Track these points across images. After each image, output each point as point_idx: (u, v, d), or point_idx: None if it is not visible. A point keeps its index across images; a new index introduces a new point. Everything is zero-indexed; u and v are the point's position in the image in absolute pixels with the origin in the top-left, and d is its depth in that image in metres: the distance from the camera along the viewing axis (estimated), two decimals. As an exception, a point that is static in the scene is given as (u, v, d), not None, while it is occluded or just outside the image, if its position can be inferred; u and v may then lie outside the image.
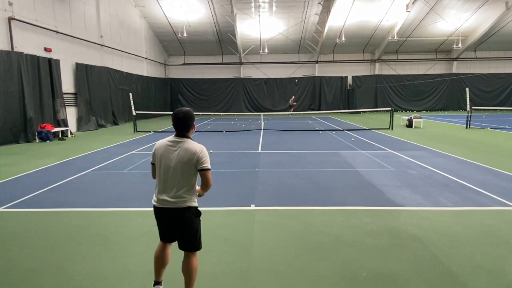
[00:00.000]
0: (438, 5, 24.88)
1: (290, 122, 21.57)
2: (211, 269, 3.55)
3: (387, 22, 26.97)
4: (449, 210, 5.26)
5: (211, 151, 10.81)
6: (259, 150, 11.01)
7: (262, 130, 16.95)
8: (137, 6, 24.74)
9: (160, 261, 3.01)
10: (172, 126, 2.84)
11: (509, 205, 5.43)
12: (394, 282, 3.28)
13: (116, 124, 21.00)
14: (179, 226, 2.85)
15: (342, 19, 25.92)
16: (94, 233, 4.51)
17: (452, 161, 8.88)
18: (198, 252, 2.97)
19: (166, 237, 2.97)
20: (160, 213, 2.87)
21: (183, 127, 2.82)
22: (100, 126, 18.91)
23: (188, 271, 2.90)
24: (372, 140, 12.96)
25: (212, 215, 5.19)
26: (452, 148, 10.78)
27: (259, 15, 25.69)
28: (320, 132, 16.02)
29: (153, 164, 2.93)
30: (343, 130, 16.68)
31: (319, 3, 24.41)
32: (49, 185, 6.90)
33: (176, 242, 2.94)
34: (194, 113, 2.93)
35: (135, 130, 16.48)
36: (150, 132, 16.41)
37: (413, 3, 23.48)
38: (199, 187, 2.94)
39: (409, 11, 23.99)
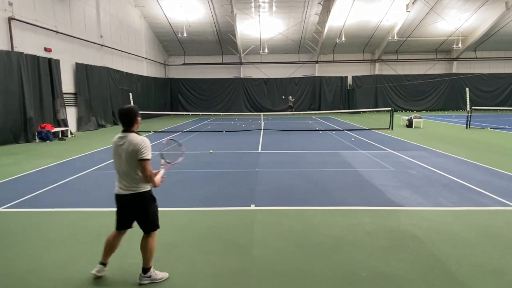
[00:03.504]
0: (438, 5, 24.88)
1: (290, 122, 21.57)
2: (211, 269, 3.55)
3: (387, 22, 26.97)
4: (449, 210, 5.26)
5: (211, 151, 10.81)
6: (259, 150, 11.00)
7: (262, 130, 16.94)
8: (137, 6, 24.75)
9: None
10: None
11: (509, 205, 5.42)
12: (394, 282, 3.28)
13: (116, 124, 20.97)
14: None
15: (342, 19, 25.92)
16: (94, 233, 4.51)
17: (452, 161, 8.87)
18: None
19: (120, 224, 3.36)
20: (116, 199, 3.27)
21: (126, 123, 3.19)
22: (100, 126, 18.91)
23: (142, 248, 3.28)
24: (372, 140, 12.96)
25: (212, 215, 5.19)
26: (452, 148, 10.78)
27: (259, 15, 25.69)
28: (320, 132, 16.01)
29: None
30: (343, 130, 16.68)
31: (319, 3, 24.41)
32: (49, 185, 6.90)
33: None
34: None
35: (135, 130, 16.44)
36: (150, 132, 16.41)
37: (413, 3, 23.48)
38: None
39: (409, 11, 23.99)
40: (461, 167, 8.21)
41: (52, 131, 14.04)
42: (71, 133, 15.71)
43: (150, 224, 3.27)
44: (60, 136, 14.61)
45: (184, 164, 9.01)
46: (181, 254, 3.90)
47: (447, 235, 4.30)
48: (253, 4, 24.40)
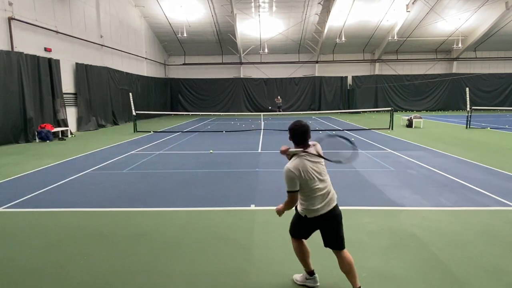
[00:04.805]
0: (438, 5, 24.89)
1: (290, 122, 21.52)
2: (211, 269, 3.55)
3: (387, 22, 26.97)
4: (449, 210, 5.26)
5: (211, 151, 10.81)
6: (259, 150, 11.00)
7: (262, 130, 16.95)
8: (137, 6, 24.75)
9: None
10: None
11: (509, 205, 5.42)
12: (394, 282, 3.27)
13: (116, 124, 21.00)
14: None
15: (342, 19, 25.92)
16: (94, 233, 4.51)
17: (452, 161, 8.87)
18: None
19: None
20: None
21: (306, 138, 3.16)
22: (100, 126, 18.91)
23: None
24: (372, 140, 12.96)
25: (212, 215, 5.19)
26: (452, 148, 10.78)
27: (259, 15, 25.70)
28: (320, 132, 16.01)
29: None
30: (343, 130, 16.68)
31: (319, 3, 24.41)
32: (49, 185, 6.90)
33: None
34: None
35: (135, 130, 16.47)
36: (150, 132, 16.40)
37: (413, 3, 23.49)
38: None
39: (409, 11, 24.00)
40: (461, 167, 8.21)
41: (52, 131, 14.04)
42: (71, 133, 15.70)
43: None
44: (60, 136, 14.61)
45: (184, 164, 9.04)
46: (181, 254, 3.90)
47: (447, 235, 4.29)
48: (253, 4, 24.41)
